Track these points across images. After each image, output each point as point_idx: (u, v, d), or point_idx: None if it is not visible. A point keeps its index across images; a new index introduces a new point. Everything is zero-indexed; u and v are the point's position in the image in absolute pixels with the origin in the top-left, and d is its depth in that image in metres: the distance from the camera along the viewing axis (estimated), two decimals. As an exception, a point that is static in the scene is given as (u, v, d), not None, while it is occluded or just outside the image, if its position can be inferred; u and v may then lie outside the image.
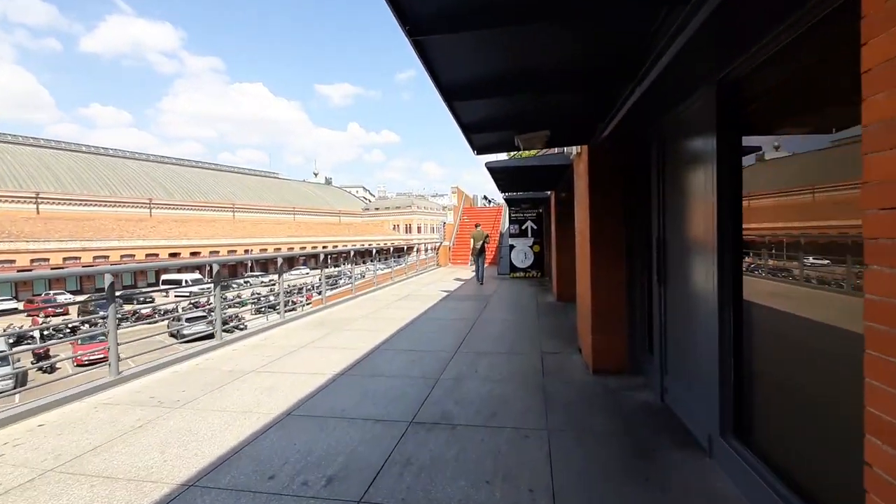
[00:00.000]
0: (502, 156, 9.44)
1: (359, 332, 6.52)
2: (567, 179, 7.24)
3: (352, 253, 10.22)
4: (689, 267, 3.04)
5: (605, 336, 4.36)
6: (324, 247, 59.31)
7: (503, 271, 15.21)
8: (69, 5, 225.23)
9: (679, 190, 3.20)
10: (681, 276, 3.20)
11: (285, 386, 4.23)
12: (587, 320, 4.57)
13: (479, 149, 4.45)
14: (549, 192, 10.68)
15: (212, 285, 6.04)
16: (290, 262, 54.20)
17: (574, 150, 4.93)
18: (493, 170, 6.39)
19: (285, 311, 7.57)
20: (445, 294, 10.73)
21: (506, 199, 12.59)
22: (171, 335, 22.15)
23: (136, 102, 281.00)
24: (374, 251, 11.90)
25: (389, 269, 13.29)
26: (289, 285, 30.87)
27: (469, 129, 3.62)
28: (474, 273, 13.37)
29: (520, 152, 6.03)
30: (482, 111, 3.39)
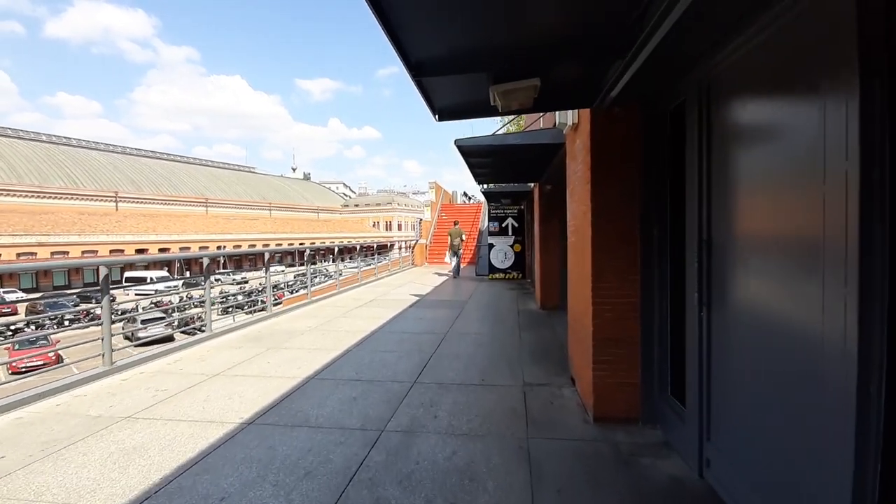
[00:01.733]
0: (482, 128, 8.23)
1: (298, 352, 5.23)
2: (556, 166, 6.08)
3: (307, 252, 8.86)
4: (769, 286, 1.88)
5: (610, 372, 3.20)
6: (301, 243, 57.08)
7: (481, 272, 14.04)
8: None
9: (740, 166, 2.04)
10: (746, 299, 2.04)
11: (157, 447, 2.93)
12: (585, 349, 3.41)
13: (443, 112, 3.22)
14: (532, 185, 9.54)
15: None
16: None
17: (569, 120, 3.75)
18: (465, 149, 5.13)
19: (213, 323, 6.22)
20: (416, 299, 9.49)
21: (484, 194, 11.41)
22: (126, 338, 20.41)
23: (106, 92, 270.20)
24: (335, 249, 10.51)
25: (356, 270, 11.95)
26: (260, 284, 29.03)
27: (421, 71, 2.39)
28: (450, 273, 14.29)
29: (502, 126, 4.81)
30: (436, 37, 2.17)
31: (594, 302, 3.20)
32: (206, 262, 6.00)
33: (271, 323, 7.00)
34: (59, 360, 18.90)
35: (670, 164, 2.97)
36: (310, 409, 3.55)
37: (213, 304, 6.21)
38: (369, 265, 13.42)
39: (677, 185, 2.83)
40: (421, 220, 20.44)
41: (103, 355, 4.54)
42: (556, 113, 4.10)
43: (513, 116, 13.75)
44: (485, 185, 10.20)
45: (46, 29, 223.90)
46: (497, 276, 13.00)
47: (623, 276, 3.16)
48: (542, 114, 6.51)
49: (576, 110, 3.73)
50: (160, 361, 4.94)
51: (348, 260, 14.20)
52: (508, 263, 13.00)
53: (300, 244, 53.43)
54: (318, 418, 3.36)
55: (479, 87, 2.80)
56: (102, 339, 4.55)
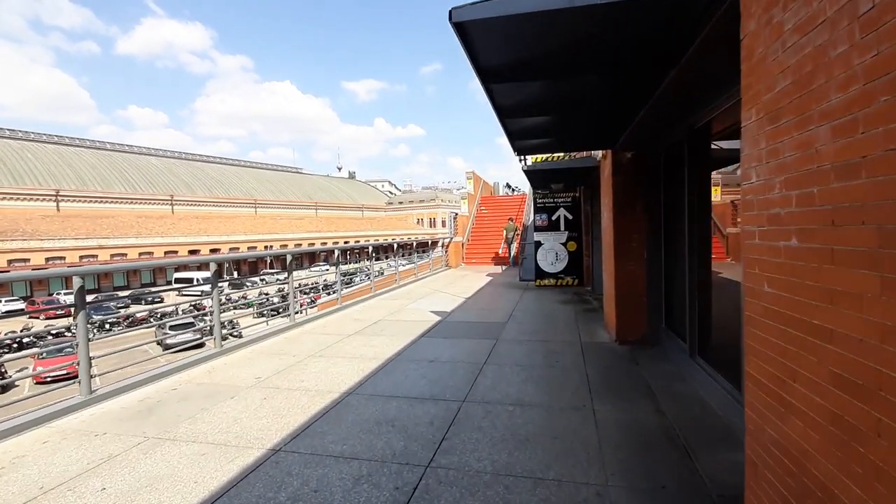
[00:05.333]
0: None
1: (185, 452, 2.84)
2: (669, 90, 3.28)
3: (289, 258, 6.51)
4: None
5: None
6: (345, 241, 56.13)
7: (527, 277, 11.24)
8: (103, 8, 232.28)
9: None
10: None
11: None
12: None
13: None
14: (598, 156, 6.69)
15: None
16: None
17: None
18: (473, 34, 2.14)
19: (94, 379, 3.99)
20: (436, 320, 6.95)
21: (527, 173, 8.50)
22: (159, 344, 19.48)
23: (171, 103, 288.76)
24: (336, 253, 8.14)
25: (369, 279, 9.58)
26: (300, 284, 27.44)
27: None
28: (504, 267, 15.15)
29: None
30: None
31: None
32: (75, 281, 3.75)
33: (207, 368, 4.70)
34: (83, 369, 18.05)
35: None
36: None
37: (96, 337, 3.97)
38: (382, 273, 11.01)
39: None
40: (457, 214, 17.83)
41: None
42: None
43: None
44: (527, 161, 7.42)
45: (118, 46, 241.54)
46: (546, 282, 10.19)
47: None
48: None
49: None
50: (-70, 475, 2.71)
51: (365, 261, 11.96)
52: (560, 266, 10.16)
53: (344, 241, 52.19)
54: None
55: None
56: None
